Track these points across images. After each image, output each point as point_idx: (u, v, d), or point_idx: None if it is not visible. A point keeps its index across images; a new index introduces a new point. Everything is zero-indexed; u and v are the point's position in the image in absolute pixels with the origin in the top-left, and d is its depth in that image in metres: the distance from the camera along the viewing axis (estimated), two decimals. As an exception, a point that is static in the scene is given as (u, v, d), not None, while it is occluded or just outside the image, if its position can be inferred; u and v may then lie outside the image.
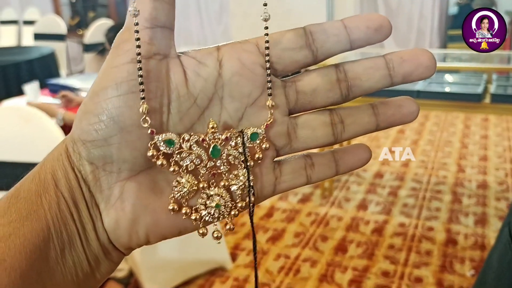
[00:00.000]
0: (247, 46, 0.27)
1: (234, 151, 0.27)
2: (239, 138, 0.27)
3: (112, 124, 0.25)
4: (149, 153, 0.26)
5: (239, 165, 0.28)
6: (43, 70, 3.42)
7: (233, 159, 0.27)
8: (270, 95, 0.27)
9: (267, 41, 0.27)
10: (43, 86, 2.34)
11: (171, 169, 0.26)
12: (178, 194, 0.27)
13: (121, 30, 0.26)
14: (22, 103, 2.01)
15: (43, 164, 0.27)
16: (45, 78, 2.77)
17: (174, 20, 0.27)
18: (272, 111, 0.28)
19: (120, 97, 0.25)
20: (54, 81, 2.42)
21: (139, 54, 0.25)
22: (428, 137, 3.30)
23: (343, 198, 2.47)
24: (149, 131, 0.25)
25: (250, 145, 0.27)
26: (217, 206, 0.27)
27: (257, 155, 0.28)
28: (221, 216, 0.28)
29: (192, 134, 0.27)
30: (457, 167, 2.82)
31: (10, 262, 0.23)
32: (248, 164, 0.27)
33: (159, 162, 0.26)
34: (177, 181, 0.27)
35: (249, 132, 0.27)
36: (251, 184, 0.28)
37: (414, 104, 0.28)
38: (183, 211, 0.27)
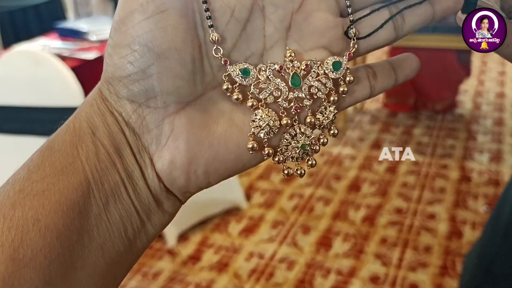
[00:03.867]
0: None
1: (316, 82, 0.24)
2: (320, 68, 0.25)
3: (147, 51, 0.22)
4: (224, 87, 0.24)
5: (323, 99, 0.25)
6: (50, 14, 3.38)
7: (315, 90, 0.25)
8: (352, 22, 0.25)
9: None
10: (51, 30, 2.31)
11: (249, 103, 0.24)
12: (258, 129, 0.24)
13: None
14: (32, 48, 2.00)
15: (77, 113, 0.24)
16: (53, 22, 2.73)
17: None
18: (354, 40, 0.25)
19: (149, 19, 0.22)
20: (62, 24, 2.39)
21: None
22: (443, 74, 3.24)
23: (356, 137, 2.47)
24: (222, 61, 0.23)
25: (333, 76, 0.25)
26: (303, 146, 0.25)
27: (342, 89, 0.25)
28: (305, 155, 0.25)
29: (268, 63, 0.24)
30: (473, 104, 2.78)
31: (44, 222, 0.21)
32: (333, 98, 0.25)
33: (234, 97, 0.24)
34: (255, 114, 0.24)
35: (330, 61, 0.25)
36: (334, 118, 0.25)
37: None
38: (265, 152, 0.24)
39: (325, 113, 0.25)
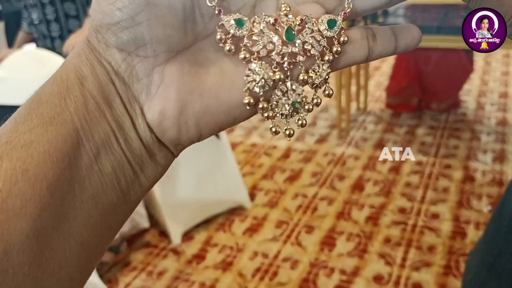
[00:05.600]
0: None
1: (311, 38, 0.24)
2: (315, 24, 0.24)
3: None
4: (217, 36, 0.23)
5: (316, 57, 0.25)
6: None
7: (309, 47, 0.24)
8: None
9: None
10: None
11: (241, 55, 0.23)
12: (253, 84, 0.24)
13: None
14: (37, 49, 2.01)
15: (65, 65, 0.23)
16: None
17: None
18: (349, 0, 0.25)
19: None
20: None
21: None
22: (447, 75, 3.24)
23: (360, 138, 2.47)
24: (216, 11, 0.23)
25: (328, 34, 0.24)
26: (293, 104, 0.25)
27: (335, 48, 0.25)
28: (295, 113, 0.25)
29: (263, 15, 0.24)
30: (476, 104, 2.78)
31: (33, 172, 0.20)
32: (328, 58, 0.25)
33: (227, 47, 0.23)
34: (249, 69, 0.24)
35: (325, 19, 0.24)
36: (328, 78, 0.25)
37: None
38: (260, 105, 0.24)
39: (318, 71, 0.25)
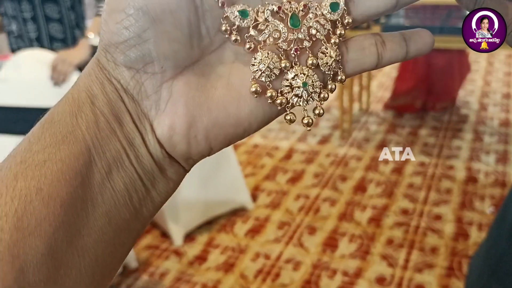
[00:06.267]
0: None
1: (315, 23, 0.24)
2: (318, 9, 0.24)
3: (142, 16, 0.22)
4: (222, 28, 0.23)
5: (322, 41, 0.24)
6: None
7: (314, 31, 0.24)
8: None
9: None
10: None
11: (247, 46, 0.24)
12: (258, 72, 0.23)
13: None
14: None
15: (76, 84, 0.24)
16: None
17: None
18: None
19: None
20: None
21: None
22: (449, 75, 3.23)
23: (362, 138, 2.47)
24: (219, 3, 0.23)
25: (331, 17, 0.24)
26: (304, 84, 0.24)
27: (339, 31, 0.25)
28: (310, 99, 0.25)
29: (266, 3, 0.24)
30: (479, 105, 2.78)
31: (47, 191, 0.21)
32: (334, 41, 0.25)
33: (233, 38, 0.23)
34: (254, 58, 0.24)
35: (328, 2, 0.24)
36: (339, 59, 0.25)
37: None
38: (268, 94, 0.24)
39: (327, 52, 0.24)
